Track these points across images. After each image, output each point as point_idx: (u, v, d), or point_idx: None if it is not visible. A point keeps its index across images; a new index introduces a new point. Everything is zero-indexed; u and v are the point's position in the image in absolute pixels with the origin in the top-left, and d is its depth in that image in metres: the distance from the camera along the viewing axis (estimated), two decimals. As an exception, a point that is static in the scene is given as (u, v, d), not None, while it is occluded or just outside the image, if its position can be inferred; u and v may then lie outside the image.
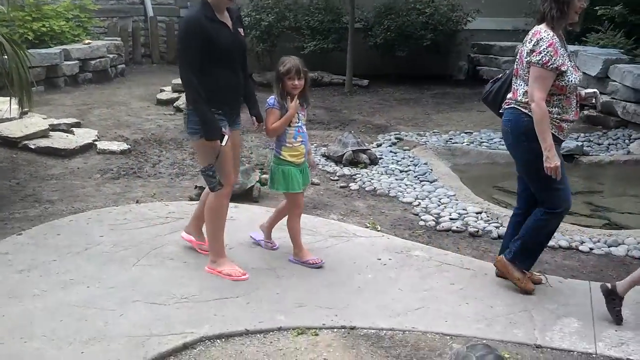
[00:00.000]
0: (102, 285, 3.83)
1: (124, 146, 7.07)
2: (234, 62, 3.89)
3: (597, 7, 9.27)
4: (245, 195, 5.43)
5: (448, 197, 5.74)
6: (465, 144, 7.83)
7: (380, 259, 4.36)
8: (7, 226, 4.75)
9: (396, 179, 6.34)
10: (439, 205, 5.57)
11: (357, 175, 6.47)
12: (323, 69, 11.53)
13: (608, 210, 5.81)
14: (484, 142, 7.93)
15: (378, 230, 4.95)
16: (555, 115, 3.72)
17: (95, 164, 6.56)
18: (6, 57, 5.46)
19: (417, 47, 11.44)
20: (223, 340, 3.34)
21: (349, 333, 3.45)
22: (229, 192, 4.01)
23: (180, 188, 5.87)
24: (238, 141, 4.19)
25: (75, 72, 10.36)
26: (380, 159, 6.99)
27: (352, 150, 6.78)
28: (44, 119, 7.33)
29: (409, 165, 6.80)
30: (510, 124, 3.85)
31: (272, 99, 4.11)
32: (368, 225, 5.06)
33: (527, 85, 3.73)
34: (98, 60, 10.88)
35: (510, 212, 5.03)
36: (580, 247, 4.76)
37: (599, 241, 4.85)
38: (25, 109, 6.49)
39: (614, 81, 8.28)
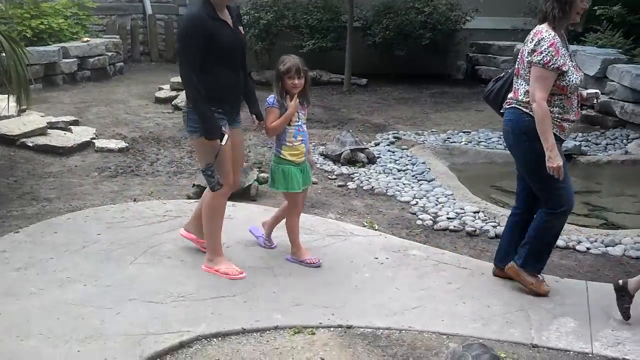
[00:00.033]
0: (99, 283, 3.82)
1: (122, 144, 7.07)
2: (234, 60, 3.89)
3: (595, 7, 9.28)
4: (243, 194, 5.42)
5: (446, 197, 5.74)
6: (463, 143, 7.84)
7: (377, 258, 4.36)
8: (4, 224, 4.75)
9: (394, 178, 6.34)
10: (436, 205, 5.57)
11: (355, 174, 6.47)
12: (322, 67, 11.54)
13: (605, 210, 5.82)
14: (482, 141, 7.93)
15: (375, 229, 4.95)
16: (557, 115, 3.72)
17: (93, 162, 6.55)
18: (4, 54, 5.46)
19: (416, 46, 11.46)
20: (220, 339, 3.34)
21: (345, 332, 3.45)
22: (227, 191, 4.01)
23: (178, 186, 5.87)
24: (240, 140, 4.16)
25: (73, 70, 10.36)
26: (378, 158, 6.99)
27: (350, 149, 6.79)
28: (42, 116, 7.32)
29: (406, 165, 6.80)
30: (511, 124, 3.84)
31: (271, 97, 4.10)
32: (365, 224, 5.06)
33: (528, 84, 3.72)
34: (96, 58, 10.87)
35: (507, 212, 5.04)
36: (577, 247, 4.77)
37: (595, 241, 4.86)
38: (23, 107, 6.47)
39: (612, 81, 8.29)
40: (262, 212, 5.06)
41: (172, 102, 9.28)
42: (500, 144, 7.76)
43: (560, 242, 4.78)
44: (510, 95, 3.91)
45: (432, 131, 8.44)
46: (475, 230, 5.00)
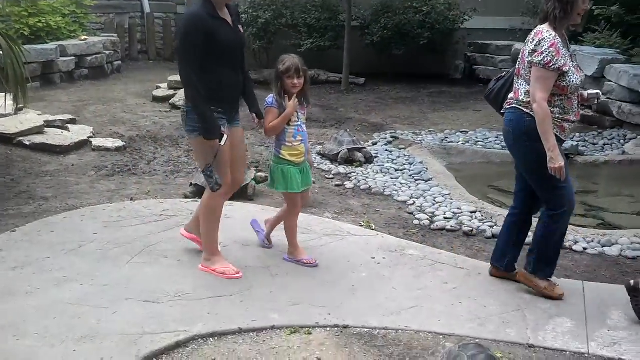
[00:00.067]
0: (96, 282, 3.82)
1: (119, 143, 7.06)
2: (234, 59, 3.88)
3: (594, 7, 9.29)
4: (240, 193, 5.40)
5: (443, 196, 5.74)
6: (460, 143, 7.84)
7: (374, 258, 4.36)
8: (0, 223, 4.74)
9: (391, 178, 6.34)
10: (433, 204, 5.57)
11: (352, 173, 6.47)
12: (320, 67, 11.53)
13: (602, 210, 5.83)
14: (479, 141, 7.94)
15: (372, 229, 4.95)
16: (557, 116, 3.72)
17: (90, 160, 6.55)
18: (1, 52, 5.45)
19: (414, 46, 11.45)
20: (216, 338, 3.34)
21: (342, 332, 3.45)
22: (226, 191, 4.00)
23: (175, 185, 5.86)
24: (240, 138, 4.13)
25: (71, 69, 10.33)
26: (375, 157, 6.99)
27: (348, 149, 6.78)
28: (39, 115, 7.31)
29: (404, 164, 6.81)
30: (512, 124, 3.83)
31: (270, 97, 4.09)
32: (362, 224, 5.06)
33: (528, 85, 3.72)
34: (94, 56, 10.85)
35: (504, 212, 5.05)
36: (574, 247, 4.77)
37: (592, 241, 4.86)
38: (20, 105, 6.47)
39: (610, 81, 8.31)
40: (259, 212, 5.06)
41: (170, 101, 9.26)
42: (498, 144, 7.78)
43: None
44: (510, 95, 3.91)
45: (429, 131, 8.45)
46: (472, 230, 5.01)
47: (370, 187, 6.06)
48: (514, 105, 3.83)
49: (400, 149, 7.44)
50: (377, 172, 6.53)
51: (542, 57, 3.62)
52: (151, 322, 3.40)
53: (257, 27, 11.33)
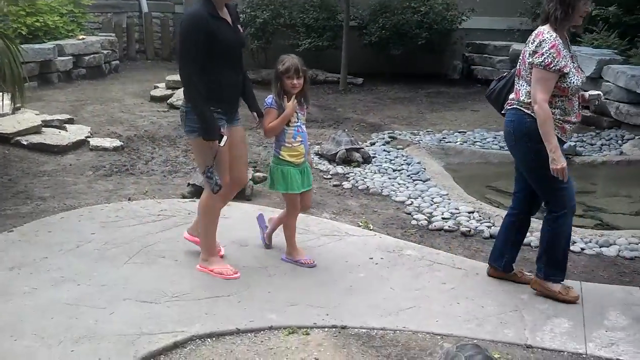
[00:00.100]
0: (93, 283, 3.82)
1: (117, 143, 7.06)
2: (234, 59, 3.88)
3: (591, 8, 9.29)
4: (238, 194, 5.38)
5: (441, 197, 5.74)
6: (458, 143, 7.84)
7: (372, 258, 4.36)
8: (-2, 223, 4.74)
9: (389, 178, 6.35)
10: (431, 205, 5.58)
11: (350, 173, 6.47)
12: (318, 66, 11.53)
13: (600, 210, 5.83)
14: (477, 141, 7.94)
15: (370, 229, 4.95)
16: (558, 117, 3.71)
17: (87, 160, 6.54)
18: (-2, 52, 5.44)
19: (412, 46, 11.45)
20: (214, 339, 3.33)
21: (340, 332, 3.45)
22: (225, 192, 3.99)
23: (173, 185, 5.86)
24: (241, 137, 4.11)
25: (69, 68, 10.32)
26: (373, 157, 6.99)
27: (346, 149, 6.78)
28: (36, 114, 7.30)
29: (402, 164, 6.81)
30: (513, 125, 3.82)
31: (270, 98, 4.07)
32: (360, 224, 5.06)
33: (529, 86, 3.71)
34: (92, 56, 10.84)
35: (502, 212, 5.06)
36: (572, 247, 4.75)
37: (590, 241, 4.87)
38: (18, 105, 6.46)
39: (608, 81, 8.31)
40: (257, 212, 5.05)
41: (168, 101, 9.26)
42: (496, 144, 7.78)
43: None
44: (511, 95, 3.90)
45: (427, 131, 8.45)
46: (469, 231, 5.01)
47: (368, 187, 6.06)
48: (515, 106, 3.83)
49: (398, 149, 7.44)
50: (375, 172, 6.53)
51: (542, 58, 3.61)
52: (149, 323, 3.39)
53: (255, 27, 11.33)
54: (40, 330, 3.27)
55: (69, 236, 4.45)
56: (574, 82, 3.69)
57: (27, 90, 6.68)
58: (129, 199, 5.37)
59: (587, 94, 3.95)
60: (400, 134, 8.18)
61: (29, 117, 7.04)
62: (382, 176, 6.40)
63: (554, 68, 3.60)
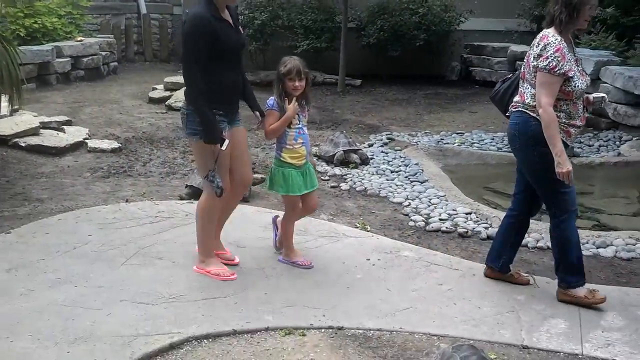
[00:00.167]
0: (90, 284, 3.82)
1: (115, 145, 7.06)
2: (235, 60, 3.89)
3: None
4: (235, 195, 5.41)
5: (438, 198, 5.75)
6: (456, 144, 7.85)
7: (369, 259, 4.36)
8: (-5, 224, 4.74)
9: (387, 179, 6.35)
10: (429, 206, 5.58)
11: (348, 175, 6.47)
12: (316, 68, 11.50)
13: (597, 211, 5.84)
14: (475, 142, 7.95)
15: (368, 231, 4.95)
16: (563, 121, 3.71)
17: (85, 162, 6.54)
18: (-4, 54, 5.45)
19: (410, 47, 11.46)
20: (210, 340, 3.33)
21: (336, 333, 3.45)
22: (227, 195, 3.99)
23: (171, 187, 5.86)
24: (243, 137, 4.10)
25: (67, 70, 10.33)
26: (371, 159, 7.00)
27: (344, 150, 6.78)
28: (34, 116, 7.31)
29: (399, 166, 6.81)
30: (518, 128, 3.81)
31: (271, 100, 4.06)
32: (358, 225, 5.07)
33: (534, 89, 3.70)
34: (90, 57, 10.85)
35: (499, 213, 5.07)
36: (569, 248, 4.77)
37: (587, 242, 4.86)
38: (16, 107, 6.46)
39: (605, 83, 8.32)
40: (255, 213, 5.07)
41: (166, 103, 9.27)
42: (493, 145, 7.79)
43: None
44: (516, 98, 3.89)
45: (425, 132, 8.46)
46: (467, 232, 5.01)
47: (365, 188, 6.07)
48: (520, 109, 3.81)
49: (396, 150, 7.44)
50: (373, 174, 6.53)
51: (547, 62, 3.61)
52: (145, 324, 3.39)
53: (254, 28, 11.33)
54: (37, 332, 3.27)
55: (66, 238, 4.45)
56: (578, 86, 3.68)
57: (25, 92, 6.70)
58: (127, 201, 5.37)
59: (591, 97, 3.94)
60: (398, 136, 8.18)
61: (27, 119, 7.05)
62: (379, 177, 6.41)
63: (558, 72, 3.60)
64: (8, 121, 6.86)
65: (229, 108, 3.89)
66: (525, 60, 3.85)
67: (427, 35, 11.39)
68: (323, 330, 3.47)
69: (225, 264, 4.10)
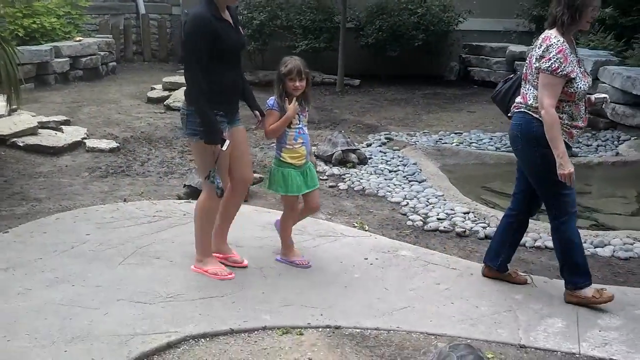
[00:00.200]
0: (88, 283, 3.81)
1: (113, 144, 7.06)
2: (235, 60, 3.89)
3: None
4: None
5: (436, 197, 5.75)
6: (454, 144, 7.85)
7: (367, 259, 4.36)
8: (-7, 224, 4.74)
9: (385, 179, 6.35)
10: (427, 205, 5.58)
11: (346, 174, 6.48)
12: (314, 68, 11.48)
13: (595, 211, 5.84)
14: (473, 142, 7.96)
15: (365, 230, 4.96)
16: (565, 122, 3.70)
17: (83, 162, 6.54)
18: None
19: (409, 48, 11.47)
20: (207, 339, 3.33)
21: (333, 332, 3.45)
22: (228, 195, 3.99)
23: (169, 187, 5.86)
24: (243, 137, 4.10)
25: (65, 70, 10.33)
26: (369, 158, 7.00)
27: (342, 150, 6.78)
28: (33, 116, 7.30)
29: (398, 165, 6.81)
30: (520, 129, 3.80)
31: (271, 100, 4.05)
32: (356, 224, 5.07)
33: (536, 90, 3.70)
34: (89, 57, 10.85)
35: (497, 213, 5.08)
36: (567, 248, 4.78)
37: (585, 242, 4.83)
38: (14, 107, 6.46)
39: (604, 83, 8.33)
40: (253, 213, 5.06)
41: (165, 102, 9.26)
42: (492, 145, 7.80)
43: (549, 242, 4.77)
44: (518, 99, 3.88)
45: (424, 132, 8.46)
46: (465, 231, 5.01)
47: (364, 188, 6.07)
48: (522, 110, 3.80)
49: (394, 150, 7.45)
50: (371, 174, 6.53)
51: (549, 63, 3.60)
52: (142, 323, 3.39)
53: (252, 28, 11.32)
54: (34, 331, 3.26)
55: (63, 237, 4.45)
56: (580, 87, 3.67)
57: (24, 91, 6.70)
58: (125, 200, 5.37)
59: (593, 97, 3.94)
60: (396, 135, 8.19)
61: (25, 119, 7.04)
62: (378, 177, 6.41)
63: (560, 73, 3.59)
64: (6, 121, 6.86)
65: (229, 108, 3.89)
66: (527, 61, 3.84)
67: (426, 35, 11.40)
68: (320, 329, 3.47)
69: (233, 267, 4.10)
